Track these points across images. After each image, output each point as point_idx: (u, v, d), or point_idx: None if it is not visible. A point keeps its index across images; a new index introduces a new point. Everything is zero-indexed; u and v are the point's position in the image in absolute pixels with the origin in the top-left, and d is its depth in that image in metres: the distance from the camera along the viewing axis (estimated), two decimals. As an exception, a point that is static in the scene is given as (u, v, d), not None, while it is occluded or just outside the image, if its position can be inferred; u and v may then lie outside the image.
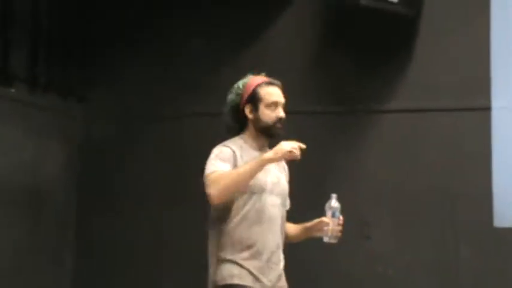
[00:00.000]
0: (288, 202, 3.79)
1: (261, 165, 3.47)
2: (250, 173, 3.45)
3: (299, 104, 5.57)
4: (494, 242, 5.73)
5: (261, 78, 3.68)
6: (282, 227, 3.66)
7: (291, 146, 3.45)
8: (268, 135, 3.63)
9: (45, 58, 6.37)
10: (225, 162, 3.50)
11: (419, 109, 6.00)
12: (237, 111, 3.64)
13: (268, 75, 3.73)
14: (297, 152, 3.46)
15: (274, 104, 3.61)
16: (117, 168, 6.58)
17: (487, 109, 5.80)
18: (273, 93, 3.62)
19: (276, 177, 3.63)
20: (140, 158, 6.56)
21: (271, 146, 3.60)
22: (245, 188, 3.49)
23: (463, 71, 5.94)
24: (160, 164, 6.52)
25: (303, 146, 3.48)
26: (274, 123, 3.59)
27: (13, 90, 6.00)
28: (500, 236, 5.71)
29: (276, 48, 6.33)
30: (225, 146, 3.58)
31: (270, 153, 3.48)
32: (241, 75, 3.75)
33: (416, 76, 6.06)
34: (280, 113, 3.61)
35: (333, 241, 3.66)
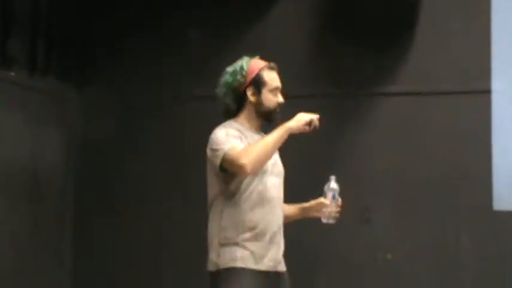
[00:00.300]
0: None
1: (285, 134, 3.49)
2: (276, 142, 3.47)
3: (298, 88, 5.56)
4: (495, 226, 5.72)
5: (262, 62, 3.67)
6: (282, 207, 3.64)
7: (310, 117, 3.50)
8: (268, 120, 3.63)
9: (45, 57, 6.38)
10: (237, 139, 3.49)
11: (419, 92, 6.00)
12: (237, 92, 3.62)
13: (267, 58, 3.72)
14: (317, 122, 3.50)
15: (277, 89, 3.63)
16: (117, 168, 6.56)
17: (486, 92, 5.80)
18: (275, 79, 3.65)
19: (273, 158, 3.60)
20: (140, 158, 6.54)
21: (265, 130, 3.60)
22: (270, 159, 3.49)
23: (463, 54, 5.94)
24: (160, 163, 6.50)
25: (318, 116, 3.53)
26: (275, 108, 3.62)
27: (12, 74, 5.97)
28: (501, 220, 5.69)
29: (276, 32, 6.30)
30: (226, 127, 3.56)
31: (292, 122, 3.51)
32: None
33: (416, 60, 6.05)
34: (280, 98, 3.64)
35: (332, 221, 3.67)
